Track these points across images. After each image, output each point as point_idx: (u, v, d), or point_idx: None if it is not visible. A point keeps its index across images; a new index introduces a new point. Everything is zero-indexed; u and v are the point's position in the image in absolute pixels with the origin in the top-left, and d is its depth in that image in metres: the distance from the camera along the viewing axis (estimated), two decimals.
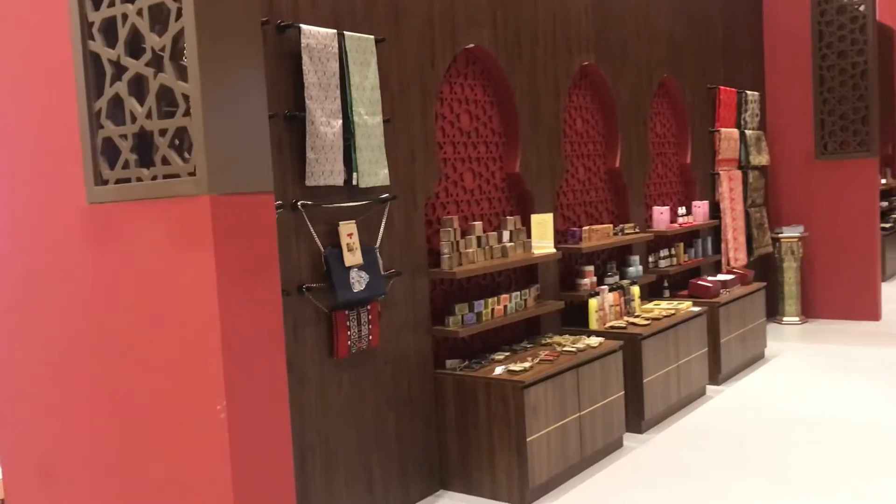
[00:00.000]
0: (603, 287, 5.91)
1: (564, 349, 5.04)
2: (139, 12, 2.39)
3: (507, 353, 5.05)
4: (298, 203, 3.87)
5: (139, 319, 2.54)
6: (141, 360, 2.57)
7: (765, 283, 7.70)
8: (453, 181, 5.05)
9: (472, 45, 5.06)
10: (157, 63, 2.40)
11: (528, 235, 5.41)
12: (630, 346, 5.53)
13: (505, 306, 5.06)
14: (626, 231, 6.48)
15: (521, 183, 5.49)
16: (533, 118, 5.54)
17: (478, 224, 5.03)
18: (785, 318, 8.85)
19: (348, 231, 4.10)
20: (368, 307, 4.21)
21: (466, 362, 4.82)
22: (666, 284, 7.02)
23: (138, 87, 2.50)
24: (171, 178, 2.38)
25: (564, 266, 6.04)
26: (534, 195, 5.56)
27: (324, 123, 3.93)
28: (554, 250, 5.42)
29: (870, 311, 8.87)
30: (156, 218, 2.39)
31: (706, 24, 7.96)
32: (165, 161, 2.41)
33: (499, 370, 4.63)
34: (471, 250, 4.94)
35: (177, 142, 2.43)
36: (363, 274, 4.14)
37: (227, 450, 2.28)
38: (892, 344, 7.76)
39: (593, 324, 5.74)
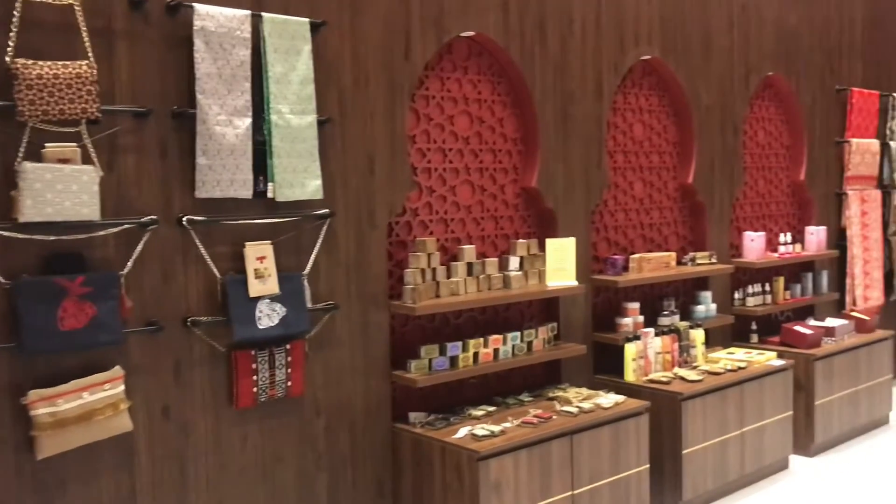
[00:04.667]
0: (647, 330, 4.82)
1: (565, 409, 4.06)
2: None
3: (494, 408, 4.13)
4: (184, 218, 3.20)
5: None
6: None
7: (894, 333, 6.19)
8: (440, 195, 4.21)
9: (470, 34, 4.20)
10: None
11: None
12: (667, 408, 4.44)
13: (495, 349, 4.15)
14: (699, 261, 5.34)
15: (540, 199, 4.54)
16: (560, 123, 4.57)
17: (468, 248, 4.16)
18: None
19: (258, 254, 3.38)
20: (287, 347, 3.47)
21: (431, 417, 3.96)
22: (754, 328, 5.74)
23: None
24: None
25: (606, 301, 5.01)
26: (557, 215, 4.59)
27: (222, 123, 3.24)
28: (574, 283, 4.43)
29: None
30: None
31: (837, 12, 6.54)
32: None
33: (461, 432, 3.74)
34: (456, 279, 4.08)
35: None
36: (277, 306, 3.41)
37: None
38: None
39: (629, 375, 4.67)
